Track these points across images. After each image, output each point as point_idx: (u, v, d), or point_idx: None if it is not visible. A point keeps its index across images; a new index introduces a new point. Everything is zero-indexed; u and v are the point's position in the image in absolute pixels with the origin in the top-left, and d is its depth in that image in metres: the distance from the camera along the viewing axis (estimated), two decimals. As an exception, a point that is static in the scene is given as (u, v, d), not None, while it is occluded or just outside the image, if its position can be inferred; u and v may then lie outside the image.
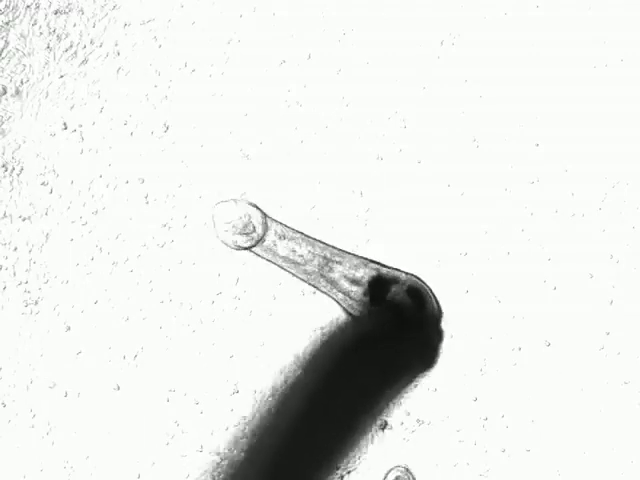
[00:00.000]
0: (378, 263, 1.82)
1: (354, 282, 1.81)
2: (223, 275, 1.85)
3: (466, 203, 1.85)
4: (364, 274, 1.81)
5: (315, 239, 1.81)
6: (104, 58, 1.87)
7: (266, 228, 1.79)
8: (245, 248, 1.81)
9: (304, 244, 1.80)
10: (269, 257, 1.81)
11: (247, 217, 1.81)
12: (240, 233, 1.80)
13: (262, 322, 1.84)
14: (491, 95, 1.86)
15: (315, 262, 1.80)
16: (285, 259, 1.81)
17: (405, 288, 1.81)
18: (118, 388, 1.83)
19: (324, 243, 1.81)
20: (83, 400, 1.83)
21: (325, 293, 1.81)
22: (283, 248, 1.81)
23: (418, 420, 1.82)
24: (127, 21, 1.88)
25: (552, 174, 1.86)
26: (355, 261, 1.81)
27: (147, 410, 1.83)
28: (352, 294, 1.81)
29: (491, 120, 1.86)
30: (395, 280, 1.81)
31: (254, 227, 1.80)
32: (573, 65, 1.87)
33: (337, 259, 1.81)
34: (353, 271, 1.81)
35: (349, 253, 1.82)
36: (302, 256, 1.80)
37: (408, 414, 1.82)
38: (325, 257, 1.80)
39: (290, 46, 1.88)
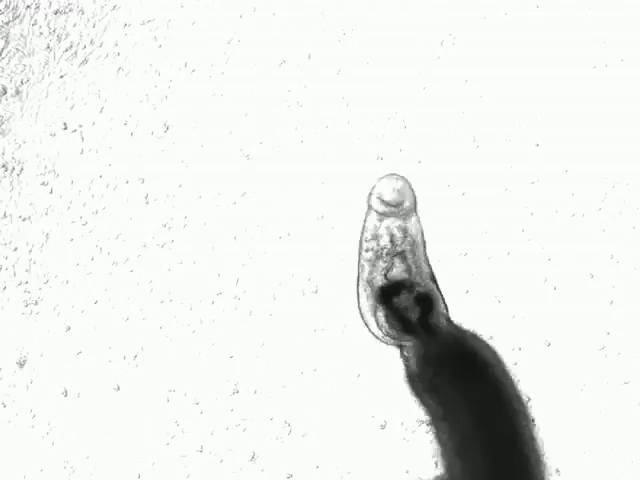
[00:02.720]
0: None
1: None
2: (223, 275, 1.85)
3: (466, 203, 1.85)
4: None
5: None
6: (104, 58, 1.87)
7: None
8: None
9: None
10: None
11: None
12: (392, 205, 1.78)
13: (262, 322, 1.84)
14: (491, 95, 1.86)
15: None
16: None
17: (414, 294, 1.80)
18: (118, 388, 1.83)
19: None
20: (83, 400, 1.83)
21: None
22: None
23: (418, 420, 1.82)
24: (127, 21, 1.88)
25: (552, 174, 1.86)
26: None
27: (147, 410, 1.83)
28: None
29: (491, 120, 1.86)
30: (403, 284, 1.80)
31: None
32: (573, 65, 1.87)
33: None
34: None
35: None
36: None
37: (408, 414, 1.82)
38: None
39: (290, 46, 1.88)
